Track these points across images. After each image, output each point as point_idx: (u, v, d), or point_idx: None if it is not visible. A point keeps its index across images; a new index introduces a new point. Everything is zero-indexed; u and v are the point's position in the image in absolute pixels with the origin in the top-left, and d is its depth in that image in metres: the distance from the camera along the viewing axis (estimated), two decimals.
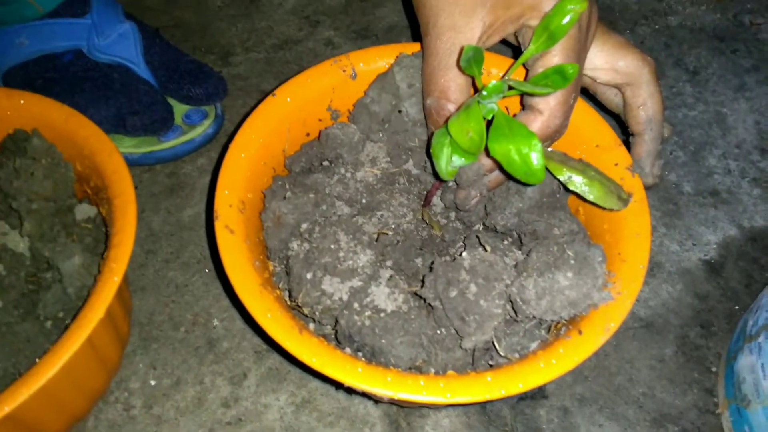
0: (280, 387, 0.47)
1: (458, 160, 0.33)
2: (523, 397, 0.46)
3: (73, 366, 0.33)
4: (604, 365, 0.48)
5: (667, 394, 0.46)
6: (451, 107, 0.35)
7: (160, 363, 0.48)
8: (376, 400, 0.44)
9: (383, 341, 0.32)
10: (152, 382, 0.47)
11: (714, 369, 0.47)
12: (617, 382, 0.47)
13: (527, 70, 0.37)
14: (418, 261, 0.37)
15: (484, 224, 0.39)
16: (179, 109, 0.57)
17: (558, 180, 0.34)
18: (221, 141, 0.59)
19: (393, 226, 0.39)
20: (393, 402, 0.45)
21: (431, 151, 0.34)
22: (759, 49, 0.66)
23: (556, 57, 0.34)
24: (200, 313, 0.50)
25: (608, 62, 0.39)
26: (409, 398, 0.29)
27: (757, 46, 0.66)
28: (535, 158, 0.29)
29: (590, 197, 0.34)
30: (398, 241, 0.37)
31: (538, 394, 0.46)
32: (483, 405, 0.46)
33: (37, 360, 0.30)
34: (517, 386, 0.30)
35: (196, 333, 0.49)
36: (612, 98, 0.42)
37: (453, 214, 0.41)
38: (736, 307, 0.50)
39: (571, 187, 0.34)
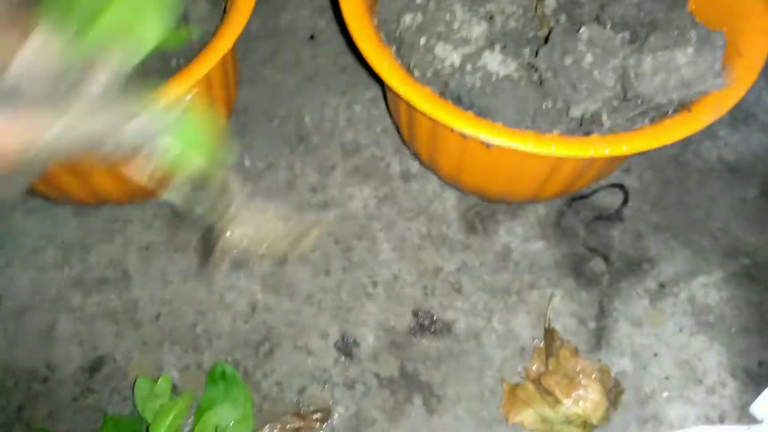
0: (364, 182, 0.49)
1: None
2: (598, 217, 0.48)
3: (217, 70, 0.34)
4: (685, 200, 0.48)
5: (743, 231, 0.47)
6: None
7: (254, 148, 0.50)
8: (459, 188, 0.46)
9: (493, 101, 0.33)
10: (246, 163, 0.50)
11: None
12: (695, 216, 0.48)
13: None
14: (527, 49, 0.37)
15: (597, 20, 0.38)
16: None
17: None
18: None
19: (503, 19, 0.39)
20: (478, 194, 0.46)
21: None
22: None
23: None
24: (293, 110, 0.52)
25: None
26: (517, 147, 0.31)
27: None
28: None
29: None
30: (511, 28, 0.38)
31: (613, 216, 0.48)
32: (558, 221, 0.47)
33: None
34: (621, 148, 0.31)
35: (289, 126, 0.52)
36: None
37: (564, 16, 0.40)
38: None
39: None
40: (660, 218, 0.47)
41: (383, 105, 0.52)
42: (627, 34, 0.38)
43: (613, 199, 0.48)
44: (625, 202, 0.48)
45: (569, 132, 0.34)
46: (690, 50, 0.31)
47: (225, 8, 0.39)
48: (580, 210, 0.48)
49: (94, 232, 0.47)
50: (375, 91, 0.53)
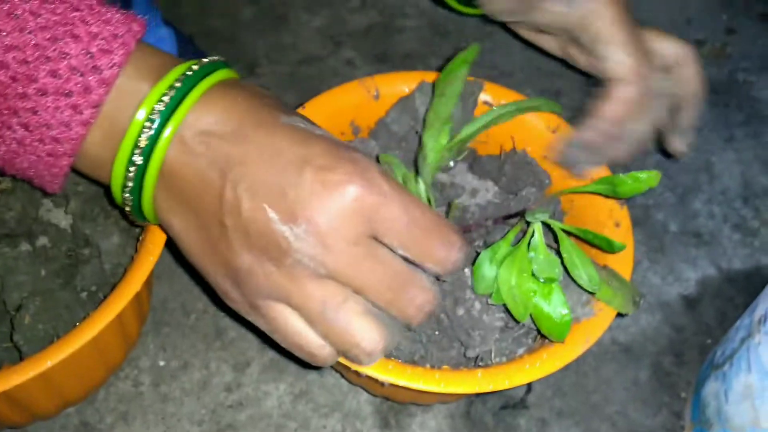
0: (280, 377, 0.50)
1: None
2: (505, 406, 0.50)
3: (103, 335, 0.36)
4: (583, 383, 0.51)
5: (638, 414, 0.50)
6: None
7: (170, 346, 0.51)
8: (371, 393, 0.47)
9: None
10: (161, 363, 0.50)
11: (683, 395, 0.51)
12: (594, 400, 0.50)
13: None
14: None
15: (485, 243, 0.42)
16: None
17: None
18: None
19: None
20: (386, 398, 0.48)
21: None
22: (750, 105, 0.71)
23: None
24: (210, 304, 0.54)
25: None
26: (407, 385, 0.33)
27: (748, 102, 0.71)
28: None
29: (612, 306, 0.37)
30: None
31: (519, 405, 0.50)
32: (467, 411, 0.49)
33: (77, 325, 0.33)
34: (504, 382, 0.33)
35: (205, 321, 0.53)
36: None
37: None
38: (709, 341, 0.54)
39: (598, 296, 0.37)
40: (562, 404, 0.50)
41: None
42: None
43: (519, 387, 0.51)
44: (529, 389, 0.50)
45: (459, 359, 0.37)
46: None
47: (137, 240, 0.41)
48: (487, 399, 0.50)
49: None
50: None
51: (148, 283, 0.44)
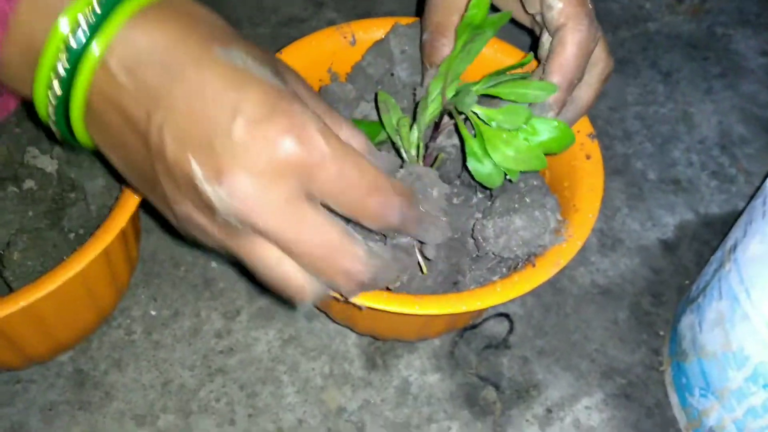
0: (269, 324, 0.51)
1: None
2: (488, 346, 0.51)
3: (91, 273, 0.37)
4: (563, 324, 0.53)
5: (617, 351, 0.51)
6: (445, 42, 0.40)
7: (160, 296, 0.52)
8: (353, 330, 0.49)
9: None
10: (152, 312, 0.52)
11: (661, 333, 0.53)
12: (574, 339, 0.52)
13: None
14: None
15: (460, 179, 0.44)
16: None
17: None
18: None
19: None
20: (371, 336, 0.49)
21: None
22: (728, 58, 0.72)
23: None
24: (199, 256, 0.55)
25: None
26: (385, 308, 0.34)
27: (726, 55, 0.72)
28: None
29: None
30: None
31: (501, 344, 0.51)
32: (451, 351, 0.51)
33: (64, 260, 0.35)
34: (476, 303, 0.35)
35: (194, 272, 0.54)
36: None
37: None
38: (687, 282, 0.56)
39: None
40: (543, 343, 0.52)
41: None
42: (485, 193, 0.43)
43: (501, 327, 0.52)
44: (511, 330, 0.52)
45: (436, 288, 0.38)
46: (524, 216, 0.36)
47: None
48: (471, 340, 0.51)
49: None
50: None
51: (135, 225, 0.45)
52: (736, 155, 0.64)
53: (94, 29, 0.26)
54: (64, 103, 0.28)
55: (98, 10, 0.26)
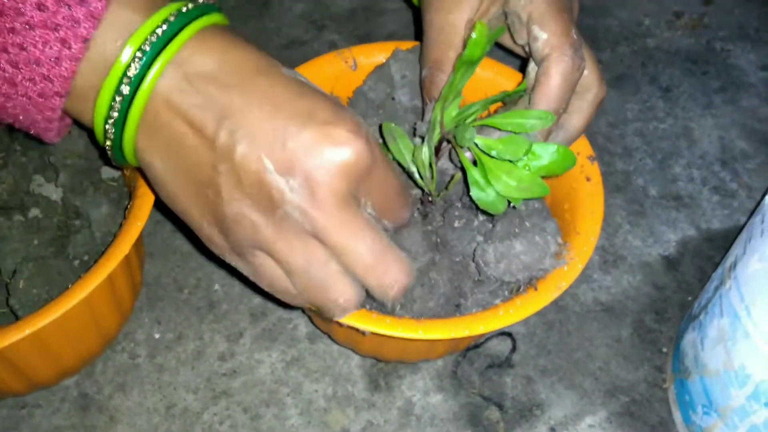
0: (272, 346, 0.52)
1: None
2: (490, 366, 0.51)
3: (95, 299, 0.37)
4: (566, 342, 0.53)
5: (620, 369, 0.51)
6: (443, 77, 0.41)
7: (164, 319, 0.53)
8: (356, 352, 0.49)
9: None
10: (156, 336, 0.52)
11: (665, 350, 0.53)
12: (576, 357, 0.52)
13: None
14: None
15: (461, 201, 0.44)
16: None
17: None
18: None
19: None
20: (374, 358, 0.49)
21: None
22: (727, 73, 0.72)
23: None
24: (203, 278, 0.55)
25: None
26: (388, 333, 0.34)
27: (726, 69, 0.72)
28: None
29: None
30: None
31: (504, 364, 0.51)
32: (454, 371, 0.51)
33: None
34: (479, 328, 0.35)
35: (198, 295, 0.54)
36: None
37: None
38: (689, 298, 0.56)
39: None
40: (546, 362, 0.52)
41: None
42: (487, 216, 0.43)
43: (504, 346, 0.52)
44: (514, 349, 0.52)
45: (437, 310, 0.38)
46: (525, 241, 0.36)
47: (126, 209, 0.43)
48: (474, 359, 0.52)
49: None
50: None
51: (138, 251, 0.45)
52: (737, 170, 0.64)
53: (164, 43, 0.30)
54: (125, 108, 0.30)
55: (169, 26, 0.30)
